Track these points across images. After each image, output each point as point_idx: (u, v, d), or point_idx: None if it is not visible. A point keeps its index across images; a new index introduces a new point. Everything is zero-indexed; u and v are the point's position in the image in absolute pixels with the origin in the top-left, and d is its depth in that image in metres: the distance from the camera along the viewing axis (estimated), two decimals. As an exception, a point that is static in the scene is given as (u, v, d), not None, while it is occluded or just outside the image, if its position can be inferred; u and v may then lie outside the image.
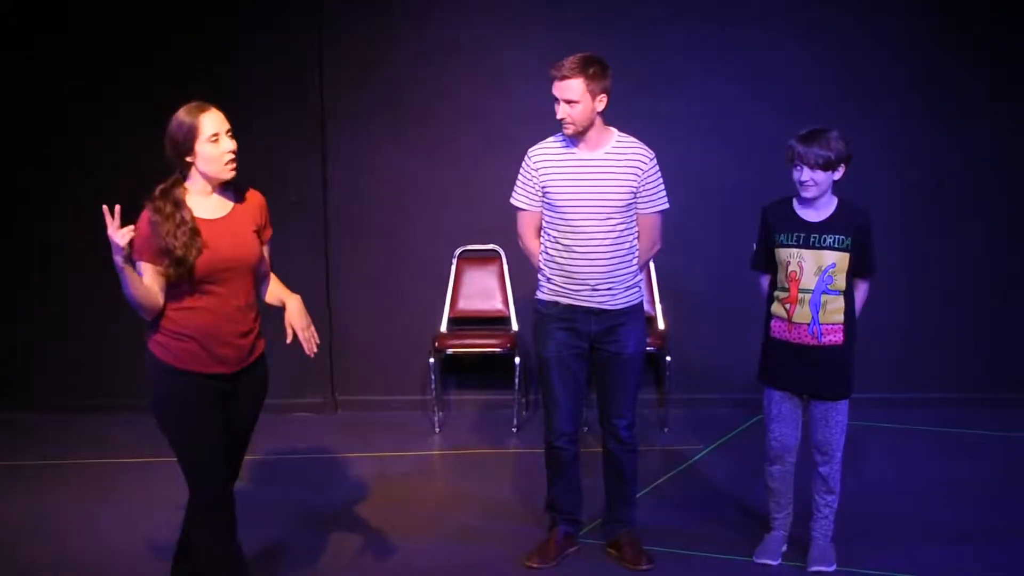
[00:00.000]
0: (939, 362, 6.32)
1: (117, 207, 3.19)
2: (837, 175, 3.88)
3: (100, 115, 6.25)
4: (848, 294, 3.94)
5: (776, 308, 3.99)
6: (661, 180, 4.10)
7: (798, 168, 3.87)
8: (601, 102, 3.97)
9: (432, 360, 6.02)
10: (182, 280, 3.32)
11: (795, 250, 3.91)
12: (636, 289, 4.14)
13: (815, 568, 4.07)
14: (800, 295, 3.90)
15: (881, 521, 4.57)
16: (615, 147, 4.04)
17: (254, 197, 3.54)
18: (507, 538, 4.44)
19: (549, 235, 4.11)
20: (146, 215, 3.34)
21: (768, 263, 4.05)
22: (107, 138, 6.24)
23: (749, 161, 5.92)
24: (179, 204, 3.33)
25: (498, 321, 6.27)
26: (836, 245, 3.88)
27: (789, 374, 4.00)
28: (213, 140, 3.34)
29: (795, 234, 3.92)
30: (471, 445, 5.81)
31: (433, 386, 6.06)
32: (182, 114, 3.35)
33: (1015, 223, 6.28)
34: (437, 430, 6.02)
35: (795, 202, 3.98)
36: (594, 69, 3.92)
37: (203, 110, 3.35)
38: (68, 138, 6.30)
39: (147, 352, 3.42)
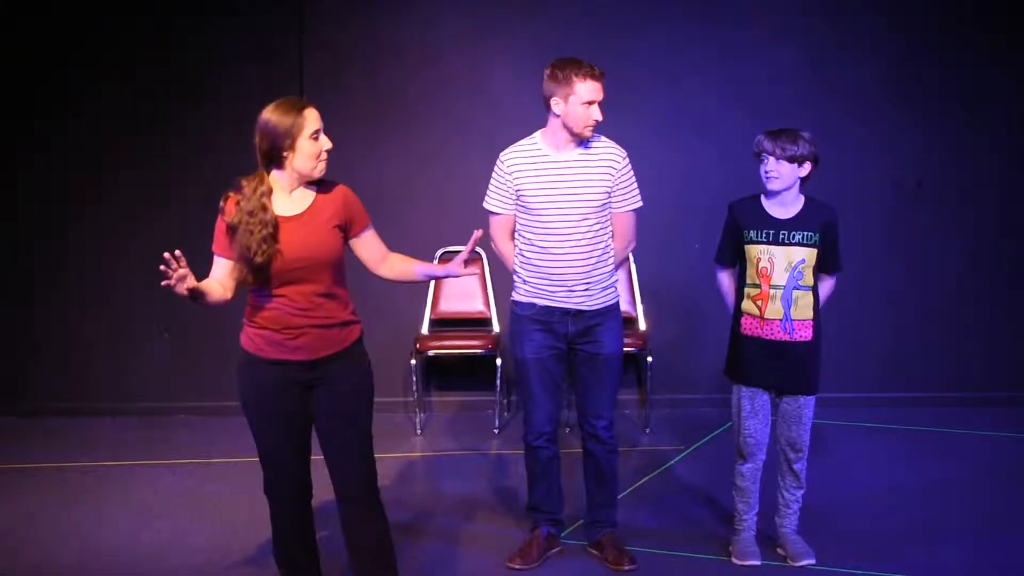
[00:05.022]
0: (922, 361, 6.36)
1: (178, 253, 3.09)
2: (803, 172, 3.92)
3: (78, 115, 6.24)
4: (815, 290, 3.99)
5: (747, 305, 4.01)
6: (634, 178, 4.11)
7: (764, 160, 3.91)
8: None
9: (413, 361, 5.99)
10: (256, 283, 3.31)
11: (765, 247, 3.94)
12: (612, 289, 4.14)
13: (804, 562, 4.10)
14: (772, 291, 3.93)
15: (860, 519, 4.58)
16: (588, 147, 4.04)
17: (339, 192, 3.44)
18: (489, 539, 4.43)
19: (524, 237, 4.10)
20: (229, 209, 3.29)
21: (733, 258, 4.08)
22: (88, 136, 6.24)
23: (731, 161, 5.90)
24: (264, 206, 3.27)
25: (480, 322, 6.25)
26: (805, 241, 3.92)
27: (761, 370, 4.02)
28: (314, 137, 3.31)
29: (765, 231, 3.95)
30: (453, 447, 5.78)
31: (415, 387, 6.03)
32: (283, 108, 3.29)
33: (996, 222, 6.31)
34: (419, 432, 6.00)
35: (763, 199, 4.02)
36: None
37: (305, 106, 3.31)
38: (68, 135, 6.28)
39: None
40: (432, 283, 6.17)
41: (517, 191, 4.06)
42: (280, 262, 3.29)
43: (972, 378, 6.34)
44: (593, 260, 4.04)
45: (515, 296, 4.18)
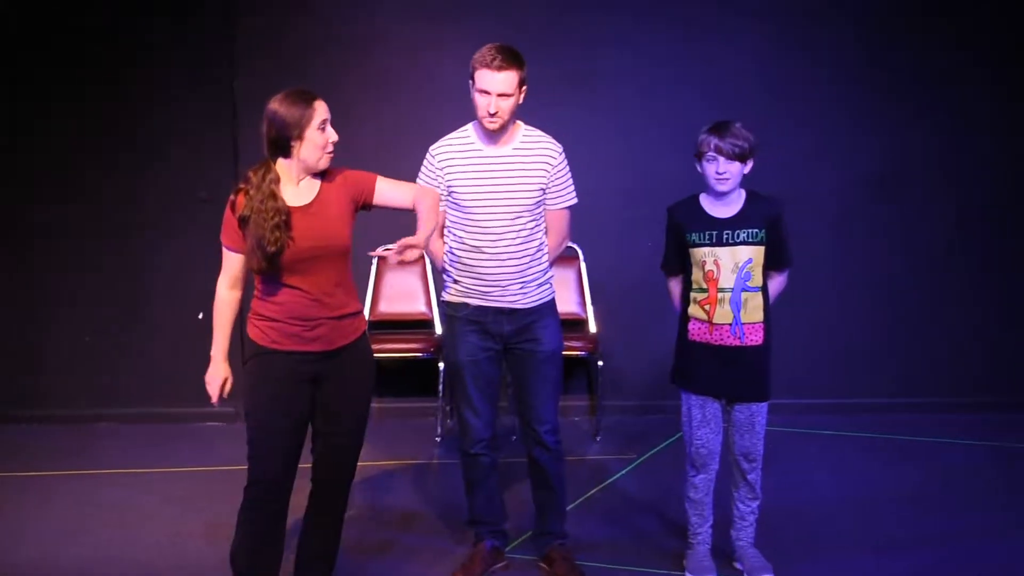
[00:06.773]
0: (878, 366, 6.28)
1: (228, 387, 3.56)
2: (747, 168, 3.81)
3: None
4: (764, 290, 3.86)
5: (694, 310, 3.88)
6: (570, 174, 3.98)
7: (713, 160, 3.77)
8: (523, 95, 3.83)
9: (350, 366, 5.80)
10: (268, 272, 3.36)
11: (708, 249, 3.82)
12: (548, 286, 4.02)
13: None
14: (720, 295, 3.81)
15: (819, 530, 4.50)
16: (523, 142, 3.89)
17: (339, 175, 3.50)
18: (430, 554, 4.29)
19: (454, 235, 3.94)
20: (239, 202, 3.36)
21: (680, 264, 3.95)
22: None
23: (687, 158, 5.78)
24: (274, 195, 3.33)
25: (420, 324, 6.10)
26: (750, 239, 3.80)
27: (711, 377, 3.90)
28: (322, 128, 3.37)
29: (706, 232, 3.83)
30: (391, 455, 5.60)
31: (351, 394, 5.84)
32: (292, 98, 3.34)
33: (956, 221, 6.23)
34: (356, 440, 5.81)
35: (702, 199, 3.89)
36: (520, 59, 3.79)
37: (314, 97, 3.38)
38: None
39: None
40: (371, 283, 6.03)
41: (448, 188, 3.89)
42: (291, 252, 3.34)
43: (929, 383, 6.26)
44: (527, 259, 3.90)
45: (447, 296, 4.03)
